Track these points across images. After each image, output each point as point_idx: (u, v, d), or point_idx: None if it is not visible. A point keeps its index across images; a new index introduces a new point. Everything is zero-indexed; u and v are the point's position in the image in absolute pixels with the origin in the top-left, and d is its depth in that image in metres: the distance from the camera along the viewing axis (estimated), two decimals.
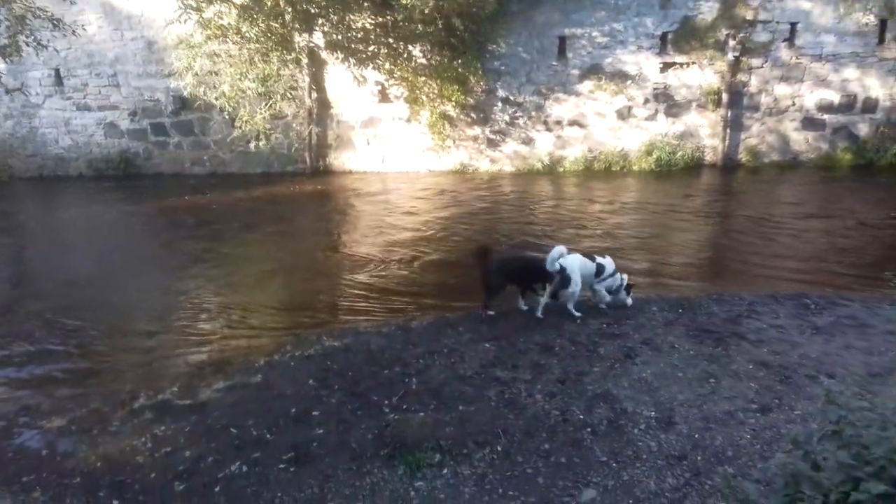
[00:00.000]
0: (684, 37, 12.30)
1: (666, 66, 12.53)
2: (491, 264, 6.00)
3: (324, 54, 12.79)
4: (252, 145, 12.89)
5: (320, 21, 12.00)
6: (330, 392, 4.69)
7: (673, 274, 7.40)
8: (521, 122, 13.28)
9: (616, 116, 12.94)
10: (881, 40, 11.67)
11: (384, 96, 13.51)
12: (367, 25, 12.16)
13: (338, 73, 12.97)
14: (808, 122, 12.39)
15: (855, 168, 12.03)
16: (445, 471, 3.71)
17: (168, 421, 4.46)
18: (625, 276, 6.04)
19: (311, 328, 6.08)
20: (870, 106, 12.07)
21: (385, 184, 13.00)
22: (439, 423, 4.19)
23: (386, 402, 4.52)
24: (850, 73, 11.97)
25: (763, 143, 12.64)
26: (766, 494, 2.15)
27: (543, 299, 5.94)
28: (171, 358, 5.70)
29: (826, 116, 12.30)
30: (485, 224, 9.70)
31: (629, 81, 12.69)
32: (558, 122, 13.17)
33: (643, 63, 12.55)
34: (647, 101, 12.77)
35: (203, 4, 11.12)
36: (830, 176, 11.86)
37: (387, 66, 12.46)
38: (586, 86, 12.85)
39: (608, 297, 6.00)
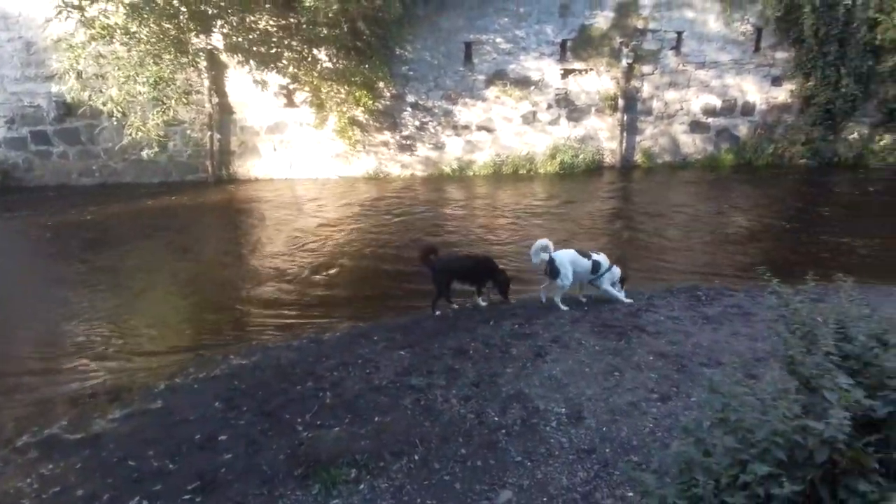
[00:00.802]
0: (582, 44, 12.88)
1: (566, 73, 13.06)
2: (438, 264, 6.13)
3: (224, 57, 12.27)
4: (145, 153, 12.14)
5: (219, 22, 11.49)
6: (238, 413, 4.49)
7: None
8: (430, 127, 13.37)
9: (522, 121, 13.33)
10: (757, 48, 12.76)
11: (290, 101, 13.16)
12: (270, 28, 11.79)
13: (240, 76, 12.48)
14: (695, 126, 13.33)
15: (736, 167, 13.06)
16: (362, 486, 3.64)
17: (56, 457, 4.10)
18: (618, 271, 6.27)
19: (215, 347, 5.81)
20: (748, 109, 13.16)
21: (293, 191, 12.66)
22: (355, 437, 4.11)
23: (299, 419, 4.38)
24: (730, 79, 12.99)
25: (656, 146, 13.46)
26: (664, 484, 2.25)
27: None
28: (60, 388, 5.26)
29: (710, 120, 13.28)
30: (397, 230, 9.66)
31: (533, 87, 13.11)
32: (467, 127, 13.38)
33: (545, 69, 13.01)
34: (550, 106, 13.25)
35: (85, 2, 10.32)
36: (715, 175, 12.81)
37: (291, 69, 12.12)
38: (492, 91, 13.14)
39: (616, 292, 6.20)
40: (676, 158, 13.46)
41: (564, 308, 6.04)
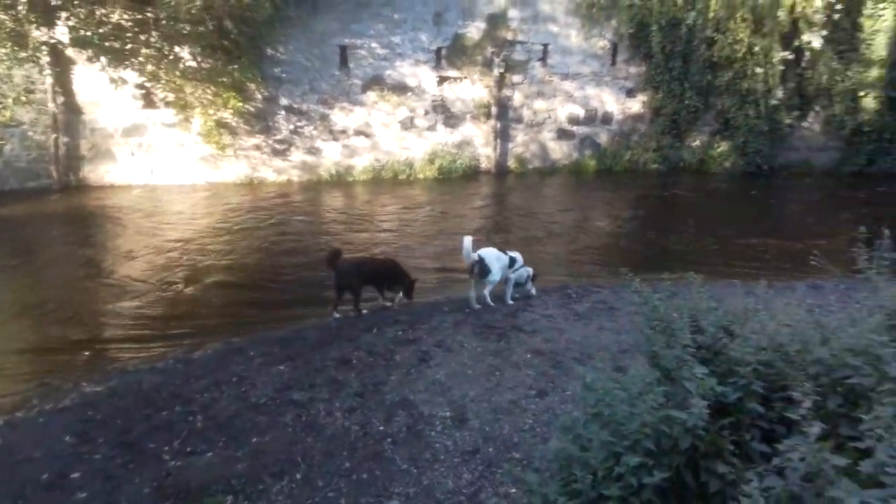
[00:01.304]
0: (456, 53, 13.18)
1: (442, 80, 13.31)
2: (343, 266, 6.14)
3: (70, 52, 11.08)
4: None
5: (63, 14, 10.35)
6: (93, 447, 4.03)
7: (461, 276, 7.82)
8: (306, 131, 13.00)
9: (400, 126, 13.37)
10: (613, 62, 13.80)
11: (149, 101, 12.18)
12: (124, 21, 10.81)
13: (90, 74, 11.35)
14: (562, 133, 14.15)
15: (598, 172, 14.03)
16: None
17: None
18: (530, 269, 6.51)
19: (65, 374, 5.18)
20: (607, 119, 14.20)
21: (156, 198, 11.70)
22: (230, 461, 3.86)
23: (165, 447, 4.02)
24: (591, 90, 13.95)
25: (527, 152, 14.11)
26: (546, 481, 2.33)
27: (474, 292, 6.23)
28: None
29: (574, 128, 14.16)
30: (270, 239, 9.24)
31: (410, 93, 13.20)
32: (344, 132, 13.18)
33: (422, 76, 13.16)
34: (427, 112, 13.42)
35: None
36: (580, 180, 13.68)
37: (149, 67, 11.21)
38: (370, 96, 13.06)
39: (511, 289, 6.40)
40: (546, 164, 14.19)
41: (492, 304, 6.21)
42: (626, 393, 2.43)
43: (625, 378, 2.57)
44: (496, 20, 13.15)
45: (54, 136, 11.64)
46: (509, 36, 13.31)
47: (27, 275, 7.89)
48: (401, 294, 6.55)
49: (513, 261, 6.36)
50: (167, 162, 12.59)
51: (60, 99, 11.65)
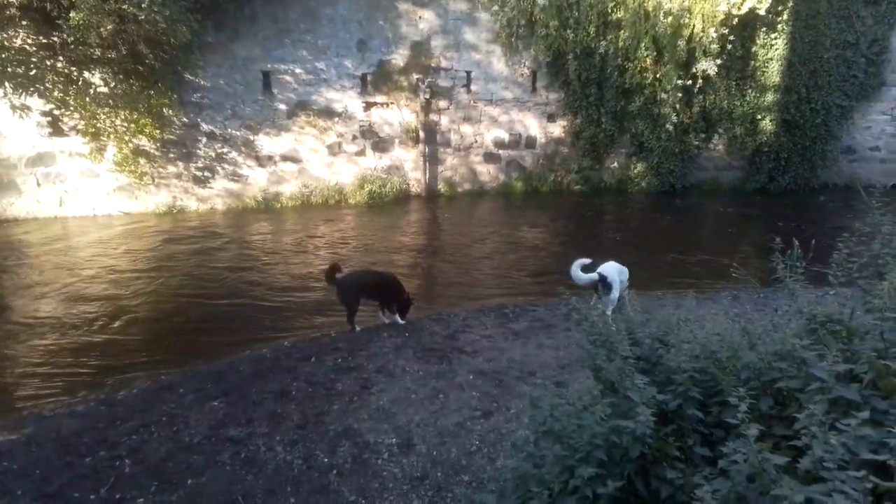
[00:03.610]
0: (382, 79, 13.29)
1: (369, 105, 13.35)
2: (344, 281, 6.21)
3: None
4: None
5: None
6: (11, 500, 3.70)
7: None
8: (229, 157, 12.65)
9: (328, 152, 13.26)
10: (534, 88, 14.33)
11: (56, 129, 11.49)
12: (28, 46, 10.18)
13: None
14: (489, 157, 14.49)
15: (525, 194, 14.45)
16: None
17: None
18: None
19: None
20: (531, 142, 14.67)
21: (65, 232, 10.98)
22: None
23: (92, 496, 3.76)
24: (515, 115, 14.39)
25: (456, 175, 14.34)
26: (502, 500, 2.35)
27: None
28: None
29: (501, 151, 14.53)
30: (194, 270, 8.86)
31: (337, 118, 13.15)
32: (270, 158, 12.92)
33: (348, 101, 13.15)
34: (355, 137, 13.39)
35: None
36: (508, 202, 14.02)
37: (57, 93, 10.57)
38: (296, 121, 12.90)
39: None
40: (475, 187, 14.46)
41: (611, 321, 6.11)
42: (572, 407, 2.51)
43: (569, 392, 2.66)
44: (420, 47, 13.38)
45: None
46: (433, 63, 13.56)
47: None
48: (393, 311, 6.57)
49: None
50: (79, 193, 11.87)
51: None
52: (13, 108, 10.02)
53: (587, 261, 6.19)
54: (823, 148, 14.91)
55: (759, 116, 14.49)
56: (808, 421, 1.63)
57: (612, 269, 6.19)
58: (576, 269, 6.06)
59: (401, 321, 6.54)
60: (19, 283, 8.34)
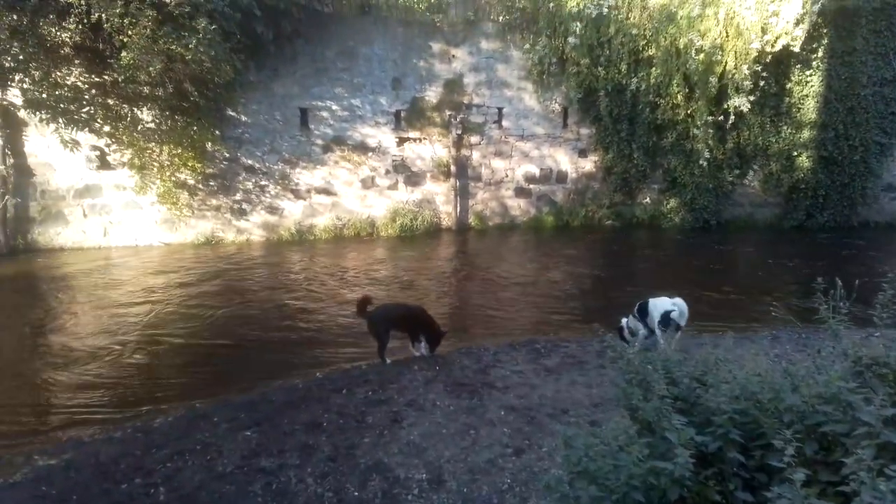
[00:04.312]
0: (415, 115, 13.59)
1: (402, 140, 13.64)
2: (375, 314, 6.31)
3: (22, 113, 10.92)
4: None
5: (17, 76, 10.23)
6: None
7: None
8: (267, 190, 13.01)
9: (361, 185, 13.54)
10: (565, 124, 14.46)
11: (104, 162, 12.03)
12: (80, 84, 10.77)
13: (43, 136, 11.21)
14: (520, 191, 14.58)
15: (556, 228, 14.45)
16: None
17: None
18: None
19: (14, 447, 4.86)
20: (562, 177, 14.74)
21: (109, 261, 11.37)
22: None
23: None
24: (546, 150, 14.51)
25: (487, 209, 14.44)
26: None
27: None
28: None
29: (532, 186, 14.62)
30: (231, 300, 9.05)
31: (371, 153, 13.45)
32: (306, 191, 13.25)
33: (381, 137, 13.47)
34: (388, 171, 13.66)
35: None
36: (539, 236, 14.02)
37: (106, 129, 11.12)
38: (331, 156, 13.24)
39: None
40: (505, 220, 14.53)
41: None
42: (608, 447, 2.48)
43: (604, 432, 2.61)
44: (453, 85, 13.69)
45: (5, 198, 11.28)
46: (465, 100, 13.84)
47: None
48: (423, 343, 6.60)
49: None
50: (122, 224, 12.33)
51: (10, 160, 11.37)
52: (64, 142, 10.57)
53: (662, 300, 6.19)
54: (863, 185, 14.59)
55: (795, 153, 14.30)
56: (857, 466, 1.58)
57: (653, 304, 6.20)
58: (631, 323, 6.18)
59: (429, 354, 6.54)
60: (62, 311, 8.63)
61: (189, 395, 5.83)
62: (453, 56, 13.52)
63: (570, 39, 13.21)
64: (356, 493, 4.08)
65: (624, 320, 6.54)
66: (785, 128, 14.20)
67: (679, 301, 6.08)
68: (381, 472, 4.30)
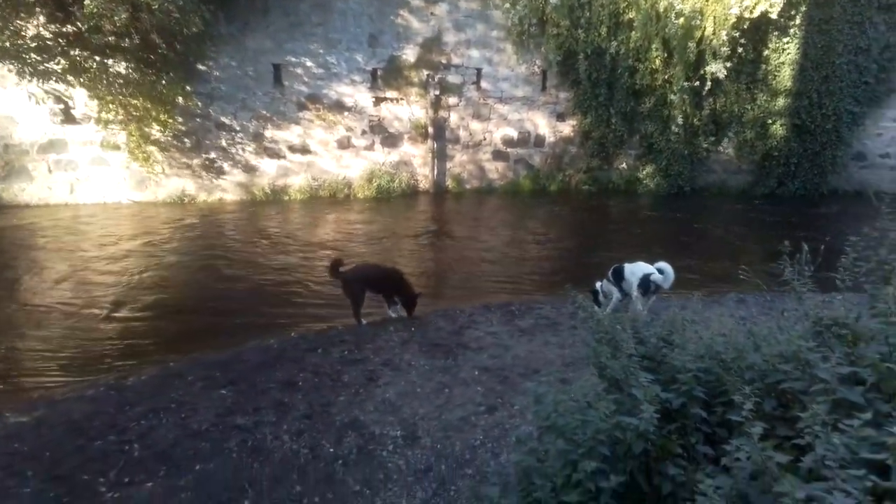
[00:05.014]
0: (392, 74, 13.32)
1: (379, 100, 13.39)
2: (350, 274, 6.34)
3: None
4: None
5: None
6: (21, 481, 3.77)
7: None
8: (240, 148, 12.72)
9: (337, 145, 13.32)
10: (544, 87, 14.32)
11: (69, 116, 11.58)
12: (44, 33, 10.26)
13: (4, 87, 10.77)
14: (498, 154, 14.51)
15: (533, 192, 14.46)
16: None
17: None
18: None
19: None
20: (540, 141, 14.68)
21: (76, 219, 11.08)
22: (172, 491, 3.71)
23: (101, 479, 3.82)
24: (525, 113, 14.39)
25: (465, 172, 14.37)
26: (507, 494, 2.40)
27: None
28: None
29: (510, 149, 14.55)
30: (202, 258, 8.94)
31: (347, 112, 13.20)
32: (280, 150, 12.99)
33: (358, 96, 13.20)
34: (364, 132, 13.44)
35: None
36: (516, 200, 14.04)
37: (71, 80, 10.68)
38: (306, 114, 12.95)
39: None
40: (483, 184, 14.48)
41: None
42: (576, 403, 2.55)
43: (573, 389, 2.69)
44: (431, 43, 13.40)
45: None
46: (444, 59, 13.58)
47: None
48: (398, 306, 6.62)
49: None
50: (89, 180, 11.98)
51: None
52: (31, 95, 10.16)
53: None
54: (834, 154, 14.81)
55: (769, 121, 14.42)
56: (812, 420, 1.66)
57: (629, 269, 6.25)
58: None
59: (402, 316, 6.59)
60: (31, 269, 8.43)
61: (162, 355, 5.81)
62: (432, 13, 13.20)
63: (551, 0, 12.99)
64: (332, 450, 4.15)
65: (598, 284, 6.64)
66: (760, 95, 14.28)
67: (665, 265, 6.08)
68: (357, 429, 4.38)
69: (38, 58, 9.98)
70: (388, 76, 13.31)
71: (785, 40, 13.96)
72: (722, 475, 1.84)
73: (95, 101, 11.16)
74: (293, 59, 12.64)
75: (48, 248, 9.28)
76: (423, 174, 14.03)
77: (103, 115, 11.25)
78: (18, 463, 3.95)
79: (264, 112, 12.70)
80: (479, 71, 13.87)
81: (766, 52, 14.06)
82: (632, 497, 2.12)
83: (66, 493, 3.66)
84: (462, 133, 14.11)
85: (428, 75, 13.43)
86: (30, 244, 9.50)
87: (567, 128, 14.63)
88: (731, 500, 1.74)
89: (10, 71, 10.06)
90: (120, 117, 11.35)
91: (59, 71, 10.37)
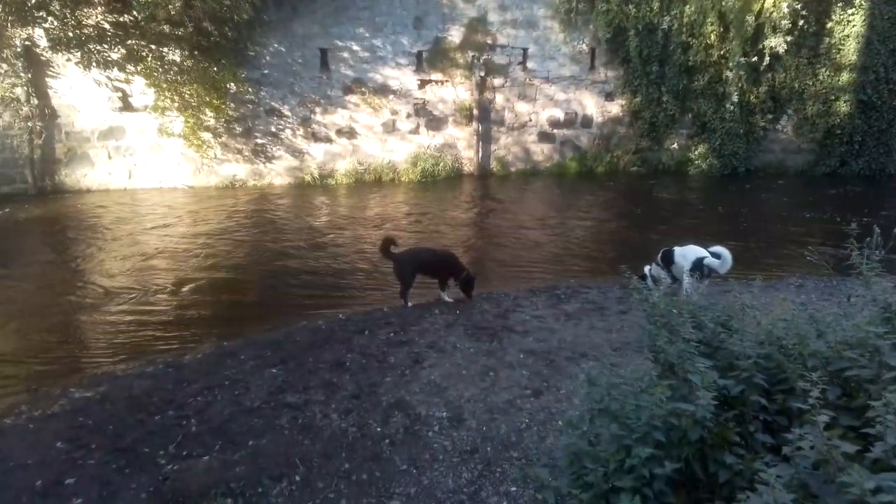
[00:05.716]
0: (437, 56, 13.24)
1: (423, 83, 13.35)
2: (402, 256, 6.36)
3: (46, 54, 10.90)
4: None
5: (41, 14, 10.14)
6: (87, 453, 3.97)
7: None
8: (288, 133, 12.94)
9: (383, 129, 13.37)
10: (592, 66, 13.99)
11: (127, 104, 12.01)
12: (103, 23, 10.65)
13: (66, 76, 11.22)
14: (543, 136, 14.29)
15: (580, 174, 14.21)
16: None
17: None
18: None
19: (53, 380, 5.08)
20: (587, 122, 14.38)
21: (135, 203, 11.53)
22: (227, 465, 3.83)
23: (161, 452, 3.98)
24: (572, 93, 14.10)
25: (509, 154, 14.22)
26: (556, 475, 2.37)
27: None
28: None
29: (556, 131, 14.30)
30: (256, 241, 9.18)
31: (392, 96, 13.22)
32: (327, 135, 13.14)
33: (403, 79, 13.19)
34: (409, 115, 13.44)
35: None
36: (562, 182, 13.83)
37: (129, 69, 11.07)
38: (352, 99, 13.05)
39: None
40: (528, 166, 14.31)
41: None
42: (630, 387, 2.50)
43: (626, 373, 2.63)
44: (476, 24, 13.24)
45: (30, 139, 11.40)
46: (489, 40, 13.41)
47: (6, 281, 7.69)
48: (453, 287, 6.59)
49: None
50: (146, 165, 12.42)
51: (34, 101, 11.41)
52: (94, 82, 10.59)
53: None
54: None
55: (832, 97, 13.71)
56: (883, 410, 1.57)
57: (680, 253, 6.05)
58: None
59: (452, 301, 6.57)
60: (93, 252, 8.83)
61: (216, 334, 6.00)
62: None
63: None
64: (379, 429, 4.21)
65: (647, 268, 6.48)
66: (823, 70, 13.57)
67: (721, 249, 5.81)
68: (403, 410, 4.43)
69: (99, 47, 10.36)
70: (433, 58, 13.24)
71: (850, 11, 13.17)
72: (782, 464, 1.77)
73: (152, 89, 11.53)
74: (339, 44, 12.72)
75: (109, 232, 9.68)
76: (468, 157, 13.95)
77: (159, 102, 11.62)
78: (84, 436, 4.17)
79: (312, 96, 12.84)
80: (524, 51, 13.64)
81: (829, 25, 13.32)
82: (686, 484, 2.07)
83: (128, 465, 3.84)
84: (507, 115, 13.94)
85: (473, 56, 13.29)
86: (92, 228, 9.92)
87: (616, 107, 14.27)
88: (793, 490, 1.67)
89: (68, 60, 10.49)
90: (175, 104, 11.70)
91: (118, 60, 10.75)
